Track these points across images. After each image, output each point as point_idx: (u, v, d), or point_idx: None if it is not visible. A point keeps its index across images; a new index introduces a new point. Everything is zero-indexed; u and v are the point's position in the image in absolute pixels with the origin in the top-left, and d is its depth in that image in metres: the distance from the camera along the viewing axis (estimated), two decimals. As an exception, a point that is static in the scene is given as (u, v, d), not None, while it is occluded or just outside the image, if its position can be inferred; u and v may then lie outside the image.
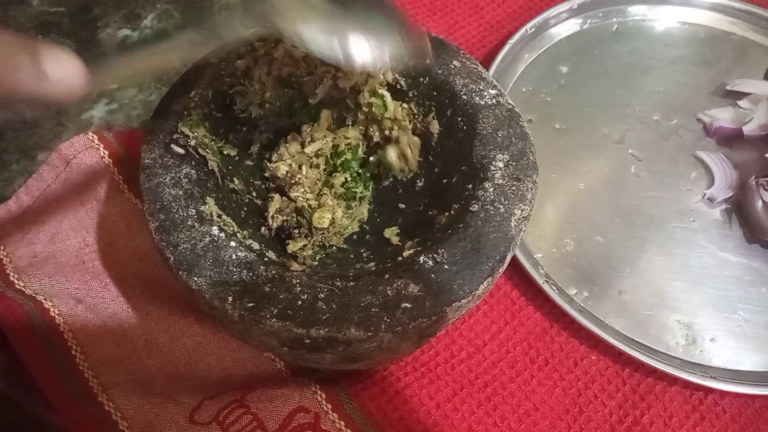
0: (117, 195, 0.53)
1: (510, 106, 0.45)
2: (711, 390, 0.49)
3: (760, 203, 0.55)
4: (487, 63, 0.63)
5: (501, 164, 0.42)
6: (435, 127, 0.47)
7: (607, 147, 0.60)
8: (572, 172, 0.59)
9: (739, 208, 0.57)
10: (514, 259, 0.52)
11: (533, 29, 0.65)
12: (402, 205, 0.48)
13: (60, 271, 0.49)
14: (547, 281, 0.51)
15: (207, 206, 0.39)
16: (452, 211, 0.42)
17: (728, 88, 0.64)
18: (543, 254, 0.54)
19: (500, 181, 0.41)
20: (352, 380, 0.47)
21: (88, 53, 0.47)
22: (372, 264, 0.42)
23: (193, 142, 0.41)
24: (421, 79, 0.46)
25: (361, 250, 0.45)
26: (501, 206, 0.40)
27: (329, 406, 0.45)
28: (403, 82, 0.47)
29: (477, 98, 0.45)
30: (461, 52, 0.47)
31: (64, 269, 0.49)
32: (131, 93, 0.62)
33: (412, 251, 0.40)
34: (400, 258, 0.39)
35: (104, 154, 0.54)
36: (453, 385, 0.48)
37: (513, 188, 0.41)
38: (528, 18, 0.66)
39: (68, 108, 0.59)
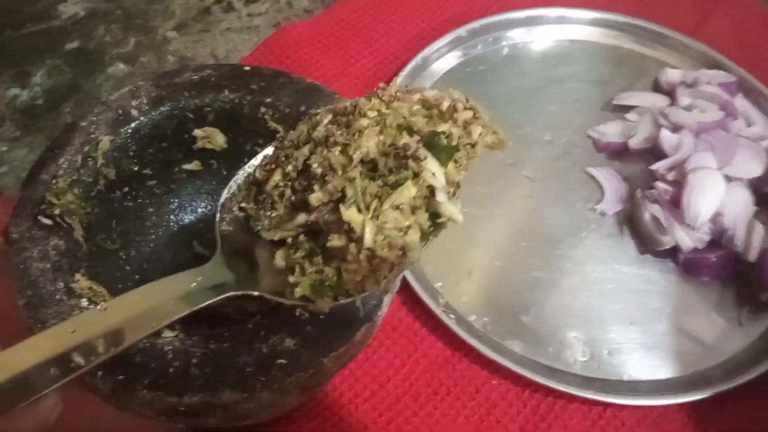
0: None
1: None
2: (609, 404, 0.50)
3: (647, 215, 0.57)
4: (381, 96, 0.64)
5: (376, 207, 0.43)
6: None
7: (502, 171, 0.62)
8: (469, 199, 0.59)
9: (630, 221, 0.59)
10: (413, 290, 0.53)
11: (425, 59, 0.67)
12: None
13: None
14: (445, 310, 0.52)
15: (76, 277, 0.38)
16: (332, 258, 0.42)
17: (615, 102, 0.67)
18: (443, 283, 0.55)
19: (375, 225, 0.42)
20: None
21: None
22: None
23: (58, 211, 0.40)
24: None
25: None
26: (376, 250, 0.41)
27: (230, 461, 0.45)
28: (281, 129, 0.47)
29: (351, 142, 0.45)
30: (336, 96, 0.48)
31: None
32: (22, 154, 0.61)
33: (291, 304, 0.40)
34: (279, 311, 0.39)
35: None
36: (357, 426, 0.48)
37: (387, 231, 0.41)
38: (420, 48, 0.68)
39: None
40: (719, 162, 0.57)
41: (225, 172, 0.50)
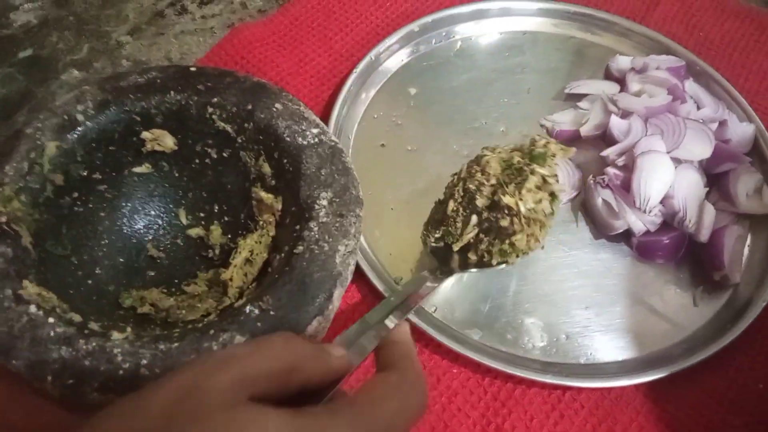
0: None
1: (332, 143, 0.46)
2: (568, 387, 0.51)
3: (599, 200, 0.58)
4: (337, 93, 0.64)
5: (325, 202, 0.43)
6: (267, 169, 0.47)
7: (458, 163, 0.62)
8: (426, 191, 0.60)
9: (583, 207, 0.60)
10: (373, 284, 0.53)
11: (378, 55, 0.67)
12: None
13: None
14: (404, 303, 0.53)
15: (24, 284, 0.38)
16: (283, 254, 0.42)
17: (567, 91, 0.67)
18: (402, 275, 0.56)
19: (324, 219, 0.42)
20: None
21: None
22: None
23: (5, 219, 0.40)
24: (246, 125, 0.47)
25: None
26: (325, 244, 0.41)
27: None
28: (229, 129, 0.47)
29: (300, 139, 0.46)
30: (283, 94, 0.48)
31: None
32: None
33: (243, 300, 0.40)
34: (230, 309, 0.40)
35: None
36: (319, 420, 0.48)
37: (336, 225, 0.42)
38: (374, 44, 0.68)
39: None
40: (668, 145, 0.58)
41: (176, 174, 0.50)
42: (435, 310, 0.54)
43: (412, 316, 0.51)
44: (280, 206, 0.47)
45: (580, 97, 0.67)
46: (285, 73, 0.67)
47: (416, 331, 0.52)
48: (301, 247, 0.41)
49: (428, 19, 0.70)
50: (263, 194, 0.47)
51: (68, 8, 0.73)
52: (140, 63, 0.69)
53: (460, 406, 0.50)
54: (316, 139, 0.46)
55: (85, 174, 0.46)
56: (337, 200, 0.43)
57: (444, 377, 0.51)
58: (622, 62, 0.68)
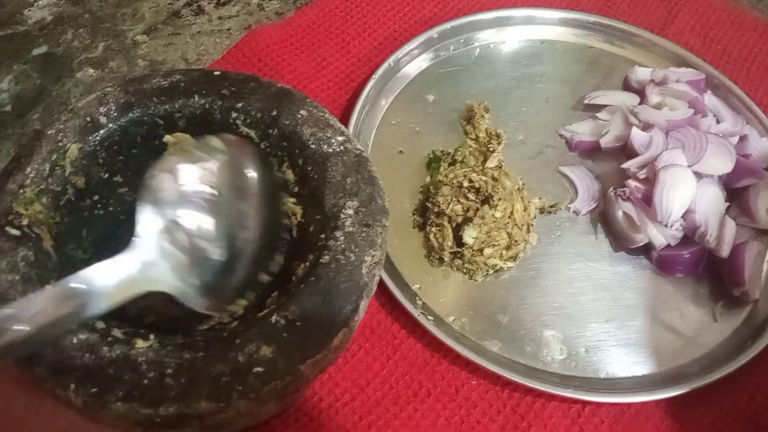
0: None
1: (358, 152, 0.46)
2: (588, 402, 0.50)
3: (620, 213, 0.58)
4: (355, 98, 0.64)
5: (351, 211, 0.42)
6: (290, 176, 0.47)
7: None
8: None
9: (603, 219, 0.60)
10: (391, 293, 0.52)
11: (397, 61, 0.67)
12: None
13: None
14: (423, 312, 0.52)
15: (46, 288, 0.38)
16: (308, 263, 0.42)
17: (586, 101, 0.67)
18: (420, 285, 0.55)
19: (350, 229, 0.42)
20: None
21: None
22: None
23: (26, 221, 0.39)
24: (270, 131, 0.46)
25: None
26: (352, 254, 0.40)
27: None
28: (253, 134, 0.47)
29: (325, 146, 0.45)
30: (308, 100, 0.48)
31: None
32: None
33: (267, 310, 0.39)
34: (255, 318, 0.39)
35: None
36: (337, 431, 0.48)
37: (363, 235, 0.41)
38: (393, 50, 0.68)
39: None
40: (689, 159, 0.58)
41: (198, 178, 0.49)
42: (453, 320, 0.54)
43: (430, 327, 0.51)
44: (301, 213, 0.46)
45: (599, 107, 0.67)
46: (302, 77, 0.67)
47: (435, 342, 0.52)
48: (327, 257, 0.40)
49: (447, 25, 0.69)
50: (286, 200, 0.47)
51: (83, 6, 0.73)
52: (156, 63, 0.68)
53: (479, 419, 0.50)
54: (342, 147, 0.45)
55: (106, 177, 0.46)
56: (363, 210, 0.43)
57: (463, 389, 0.51)
58: (642, 74, 0.68)
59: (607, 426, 0.50)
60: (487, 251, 0.54)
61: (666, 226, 0.55)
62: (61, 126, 0.44)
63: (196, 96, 0.46)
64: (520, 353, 0.52)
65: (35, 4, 0.72)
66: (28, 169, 0.42)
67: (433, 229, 0.56)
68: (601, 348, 0.53)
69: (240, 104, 0.46)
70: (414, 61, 0.68)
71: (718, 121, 0.64)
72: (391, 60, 0.66)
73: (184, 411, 0.34)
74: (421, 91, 0.67)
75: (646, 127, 0.61)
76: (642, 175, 0.58)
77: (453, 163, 0.61)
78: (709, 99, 0.66)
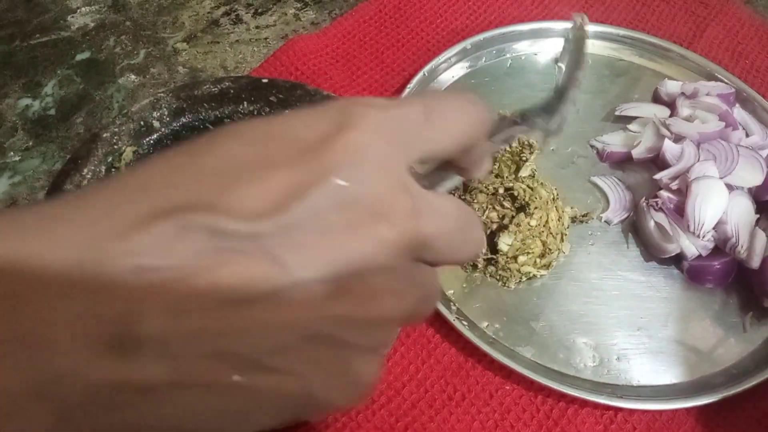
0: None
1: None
2: (620, 409, 0.51)
3: (652, 223, 0.58)
4: (389, 107, 0.65)
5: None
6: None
7: (508, 180, 0.63)
8: (477, 207, 0.61)
9: (634, 229, 0.61)
10: (426, 298, 0.53)
11: (431, 71, 0.68)
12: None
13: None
14: (458, 317, 0.53)
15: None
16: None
17: (617, 113, 0.68)
18: (454, 290, 0.56)
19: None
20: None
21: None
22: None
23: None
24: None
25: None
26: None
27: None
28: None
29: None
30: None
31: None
32: (35, 164, 0.61)
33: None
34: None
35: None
36: None
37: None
38: (427, 60, 0.69)
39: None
40: (721, 171, 0.58)
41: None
42: (487, 325, 0.55)
43: (465, 331, 0.52)
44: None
45: (630, 119, 0.68)
46: (338, 86, 0.68)
47: (469, 346, 0.53)
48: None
49: (481, 37, 0.71)
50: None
51: (125, 13, 0.75)
52: (196, 70, 0.70)
53: (513, 423, 0.50)
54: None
55: (157, 179, 0.47)
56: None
57: (497, 394, 0.52)
58: (672, 87, 0.69)
59: (639, 432, 0.51)
60: (521, 259, 0.55)
61: (698, 236, 0.56)
62: (116, 129, 0.46)
63: (245, 102, 0.48)
64: (553, 359, 0.53)
65: (78, 11, 0.75)
66: (85, 170, 0.44)
67: None
68: (632, 356, 0.54)
69: (287, 111, 0.48)
70: (447, 71, 0.70)
71: (747, 134, 0.65)
72: (425, 70, 0.67)
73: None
74: (455, 100, 0.68)
75: (678, 139, 0.62)
76: (674, 186, 0.59)
77: None
78: (738, 112, 0.67)
